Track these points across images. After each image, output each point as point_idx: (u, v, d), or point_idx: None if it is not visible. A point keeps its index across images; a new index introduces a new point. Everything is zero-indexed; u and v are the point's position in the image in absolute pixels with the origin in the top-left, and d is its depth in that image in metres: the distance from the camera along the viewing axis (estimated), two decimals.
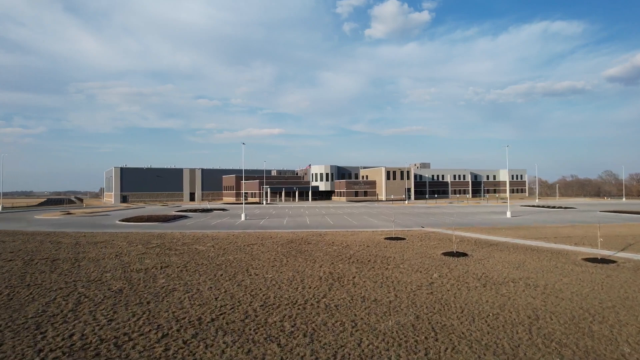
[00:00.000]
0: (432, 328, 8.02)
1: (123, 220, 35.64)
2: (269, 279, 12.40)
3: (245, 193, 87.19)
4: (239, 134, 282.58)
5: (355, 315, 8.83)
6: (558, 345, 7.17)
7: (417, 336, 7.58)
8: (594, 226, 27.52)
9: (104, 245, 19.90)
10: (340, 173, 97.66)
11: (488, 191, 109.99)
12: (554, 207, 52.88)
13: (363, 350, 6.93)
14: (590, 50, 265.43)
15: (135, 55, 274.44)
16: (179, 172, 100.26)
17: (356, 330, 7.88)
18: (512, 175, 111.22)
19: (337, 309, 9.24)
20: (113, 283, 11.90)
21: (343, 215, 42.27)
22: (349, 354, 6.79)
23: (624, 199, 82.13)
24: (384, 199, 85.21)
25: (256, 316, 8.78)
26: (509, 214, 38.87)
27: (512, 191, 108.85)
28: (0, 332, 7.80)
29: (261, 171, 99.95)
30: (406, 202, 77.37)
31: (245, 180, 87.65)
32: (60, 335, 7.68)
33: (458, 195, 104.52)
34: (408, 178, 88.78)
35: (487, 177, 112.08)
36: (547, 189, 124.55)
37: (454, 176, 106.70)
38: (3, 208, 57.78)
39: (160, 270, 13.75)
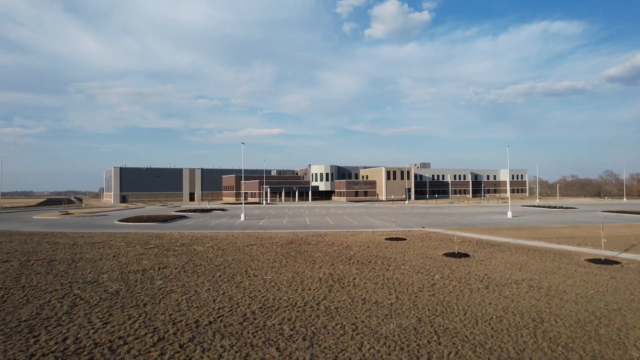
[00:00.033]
0: (435, 331, 7.83)
1: (122, 221, 35.48)
2: (268, 280, 12.22)
3: (245, 193, 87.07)
4: (239, 134, 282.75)
5: (355, 317, 8.65)
6: (564, 350, 6.98)
7: (420, 340, 7.40)
8: (596, 226, 27.33)
9: (102, 246, 19.71)
10: (340, 173, 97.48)
11: (488, 191, 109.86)
12: (554, 207, 52.70)
13: (364, 355, 6.74)
14: (590, 50, 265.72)
15: (135, 55, 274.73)
16: (179, 172, 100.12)
17: (357, 334, 7.70)
18: (513, 175, 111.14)
19: (338, 312, 9.06)
20: (110, 285, 11.72)
21: (343, 215, 42.09)
22: (350, 359, 6.61)
23: (624, 199, 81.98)
24: (384, 199, 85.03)
25: (255, 319, 8.59)
26: (510, 214, 38.68)
27: (512, 191, 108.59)
28: None
29: (261, 171, 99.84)
30: (406, 202, 77.18)
31: (245, 180, 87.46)
32: (53, 339, 7.50)
33: (458, 195, 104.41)
34: (408, 178, 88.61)
35: (488, 177, 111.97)
36: (547, 189, 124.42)
37: (454, 176, 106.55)
38: (2, 208, 57.65)
39: (158, 271, 13.57)
